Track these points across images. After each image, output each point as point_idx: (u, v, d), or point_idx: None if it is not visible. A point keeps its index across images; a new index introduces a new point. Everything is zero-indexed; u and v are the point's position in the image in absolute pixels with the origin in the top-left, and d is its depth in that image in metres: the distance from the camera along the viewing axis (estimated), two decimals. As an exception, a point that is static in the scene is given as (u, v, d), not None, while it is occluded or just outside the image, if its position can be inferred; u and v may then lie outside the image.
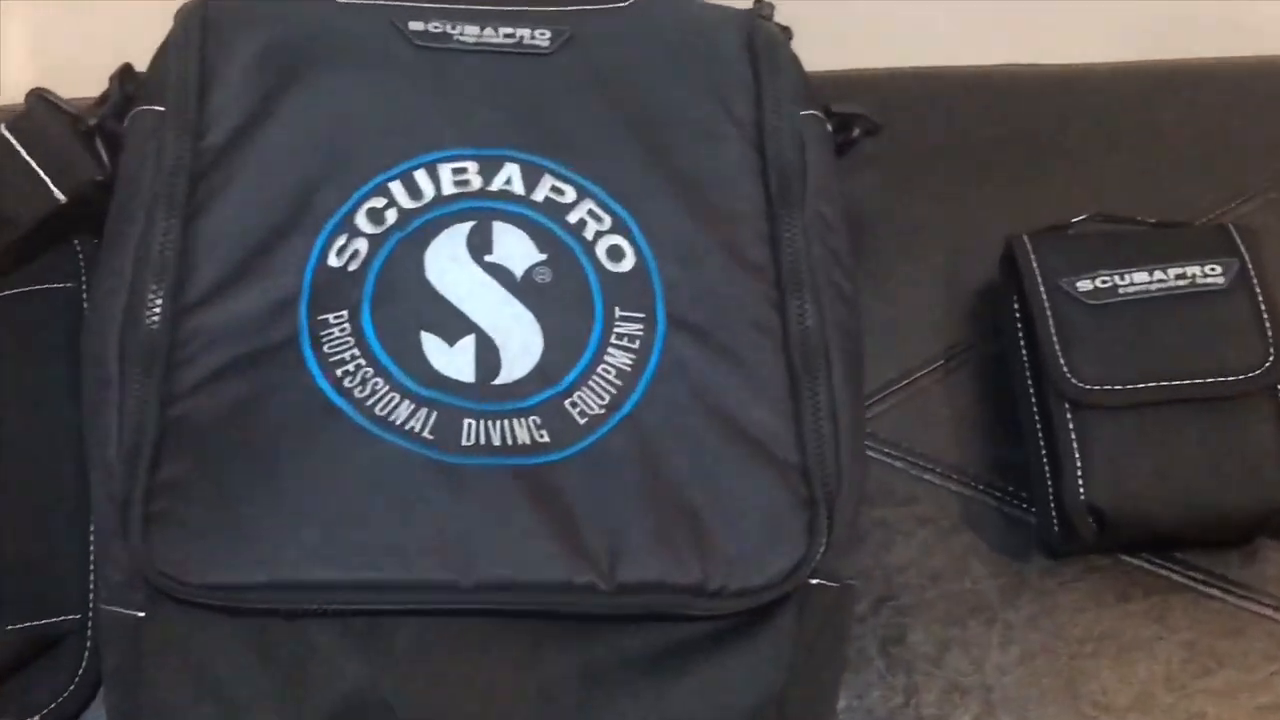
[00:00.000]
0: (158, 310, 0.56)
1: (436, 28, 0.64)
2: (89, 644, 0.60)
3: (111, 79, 0.64)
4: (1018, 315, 0.68)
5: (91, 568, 0.61)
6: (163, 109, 0.61)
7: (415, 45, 0.64)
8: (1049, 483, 0.64)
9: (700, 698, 0.55)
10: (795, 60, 0.68)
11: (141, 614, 0.53)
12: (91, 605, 0.60)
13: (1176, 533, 0.64)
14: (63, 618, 0.60)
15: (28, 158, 0.63)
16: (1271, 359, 0.62)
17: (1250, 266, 0.64)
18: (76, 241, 0.67)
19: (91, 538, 0.61)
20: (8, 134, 0.63)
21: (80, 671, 0.60)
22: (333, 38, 0.64)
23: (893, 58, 0.80)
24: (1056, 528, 0.63)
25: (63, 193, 0.63)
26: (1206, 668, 0.62)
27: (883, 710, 0.62)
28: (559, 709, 0.55)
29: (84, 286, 0.66)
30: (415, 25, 0.64)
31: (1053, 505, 0.64)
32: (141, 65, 0.65)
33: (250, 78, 0.63)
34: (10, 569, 0.61)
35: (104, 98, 0.64)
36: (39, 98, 0.64)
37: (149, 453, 0.53)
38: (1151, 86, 0.81)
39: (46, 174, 0.63)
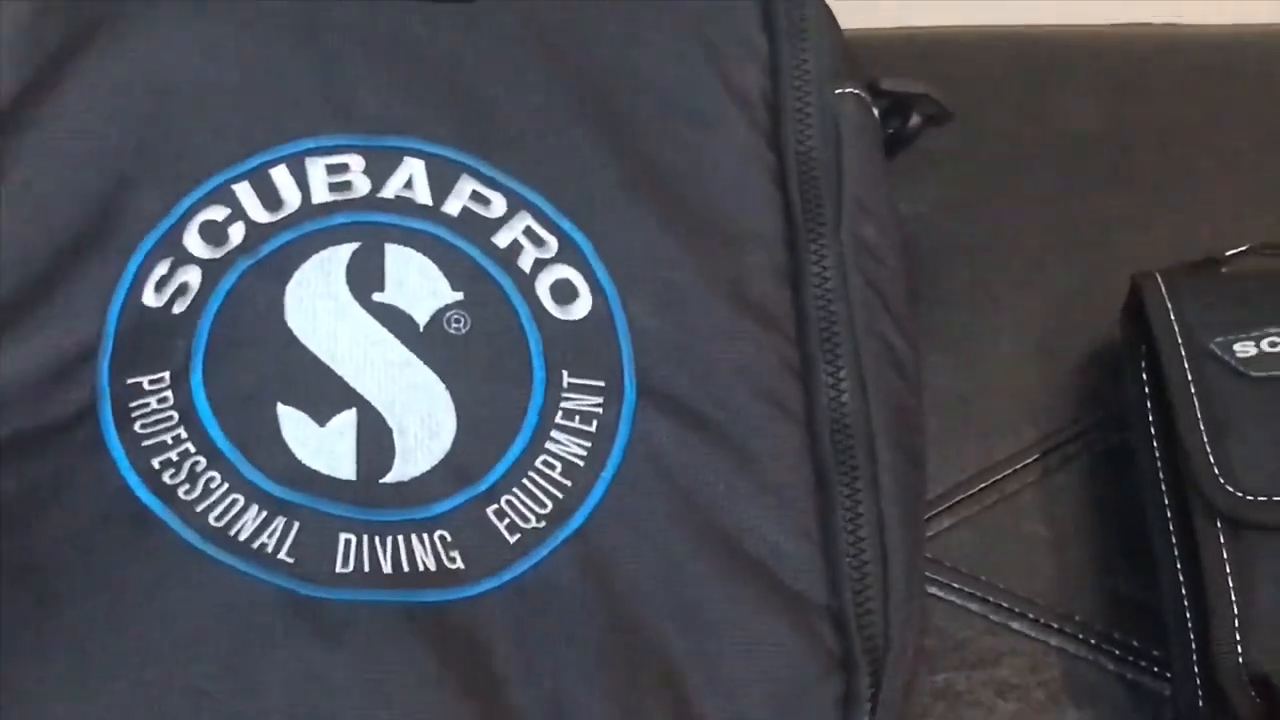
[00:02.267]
0: None
1: None
2: None
3: None
4: (1147, 391, 0.51)
5: None
6: None
7: None
8: (1192, 635, 0.46)
9: None
10: (830, 15, 0.51)
11: None
12: None
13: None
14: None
15: None
16: None
17: None
18: None
19: None
20: None
21: None
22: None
23: (959, 13, 0.60)
24: (1202, 701, 0.45)
25: None
26: None
27: None
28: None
29: None
30: None
31: (1197, 667, 0.46)
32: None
33: (26, 31, 0.48)
34: None
35: None
36: None
37: None
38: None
39: None
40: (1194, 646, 0.46)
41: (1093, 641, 0.48)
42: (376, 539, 0.41)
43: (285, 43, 0.47)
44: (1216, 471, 0.45)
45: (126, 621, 0.39)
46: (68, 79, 0.46)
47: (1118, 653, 0.48)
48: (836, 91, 0.48)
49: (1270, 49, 0.63)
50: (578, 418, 0.42)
